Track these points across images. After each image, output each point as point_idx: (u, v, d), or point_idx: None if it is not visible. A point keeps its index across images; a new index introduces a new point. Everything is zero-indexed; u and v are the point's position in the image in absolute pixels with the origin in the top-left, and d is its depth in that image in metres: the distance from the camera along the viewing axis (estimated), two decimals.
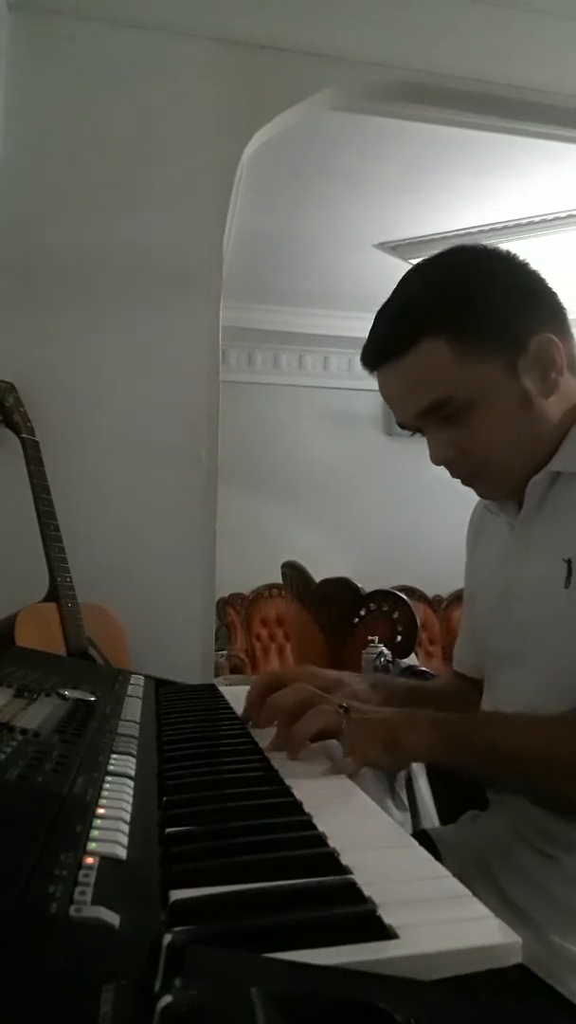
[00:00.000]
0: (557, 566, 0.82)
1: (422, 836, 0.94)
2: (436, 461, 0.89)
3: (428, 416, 0.85)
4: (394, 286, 0.90)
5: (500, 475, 0.88)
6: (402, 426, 0.91)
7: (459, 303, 0.83)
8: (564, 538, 0.83)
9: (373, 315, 0.89)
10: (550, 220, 3.82)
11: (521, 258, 0.88)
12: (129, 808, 0.52)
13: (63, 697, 0.81)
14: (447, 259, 0.89)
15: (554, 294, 0.88)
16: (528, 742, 0.77)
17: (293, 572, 3.02)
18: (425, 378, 0.84)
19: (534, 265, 0.88)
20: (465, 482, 0.91)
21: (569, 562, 0.81)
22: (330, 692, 0.87)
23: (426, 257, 0.91)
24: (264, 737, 0.81)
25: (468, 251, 0.90)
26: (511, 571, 0.91)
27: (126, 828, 0.48)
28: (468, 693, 1.08)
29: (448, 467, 0.89)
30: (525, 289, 0.87)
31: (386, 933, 0.39)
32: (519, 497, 0.91)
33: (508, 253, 0.88)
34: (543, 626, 0.84)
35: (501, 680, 0.94)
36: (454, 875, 0.48)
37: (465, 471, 0.89)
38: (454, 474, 0.90)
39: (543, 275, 0.88)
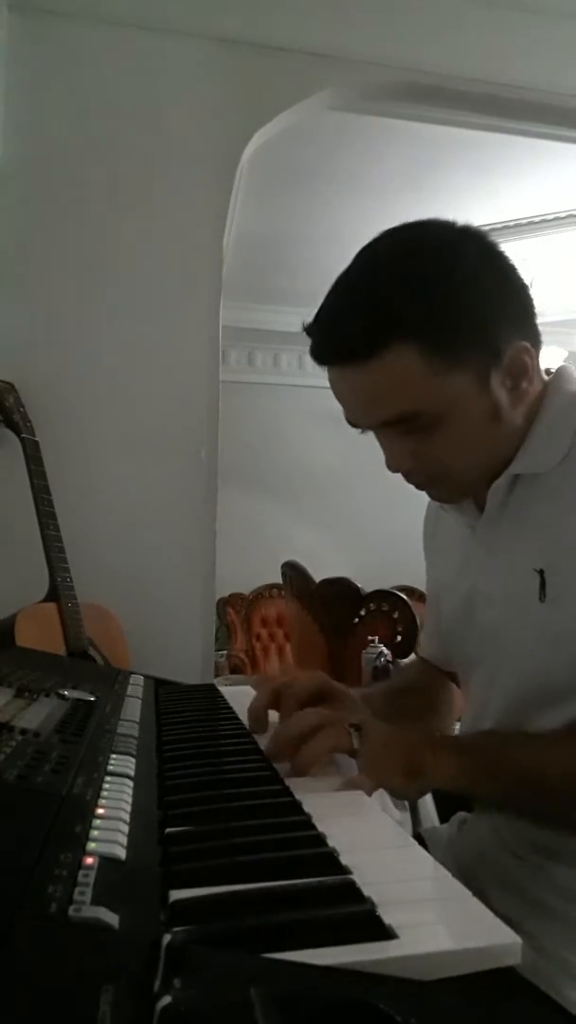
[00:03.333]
0: (528, 577, 0.78)
1: (417, 838, 0.94)
2: (393, 469, 0.82)
3: (389, 427, 0.79)
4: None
5: (459, 483, 0.85)
6: (352, 425, 0.83)
7: (436, 302, 0.74)
8: (533, 546, 0.80)
9: None
10: (550, 220, 3.83)
11: (490, 239, 0.80)
12: (129, 808, 0.52)
13: (63, 697, 0.81)
14: (418, 243, 0.79)
15: (525, 287, 0.81)
16: (558, 760, 0.73)
17: (293, 572, 3.02)
18: (392, 389, 0.75)
19: (508, 253, 0.81)
20: (420, 487, 0.87)
21: (542, 573, 0.77)
22: (338, 701, 0.84)
23: (387, 232, 0.80)
24: (264, 738, 0.81)
25: (441, 233, 0.79)
26: (475, 576, 0.89)
27: (126, 828, 0.48)
28: (438, 681, 1.07)
29: (404, 474, 0.83)
30: (501, 286, 0.79)
31: (386, 933, 0.39)
32: (478, 497, 0.87)
33: (479, 234, 0.80)
34: (517, 637, 0.81)
35: (476, 685, 0.92)
36: None
37: (422, 479, 0.84)
38: (410, 480, 0.84)
39: (512, 262, 0.80)
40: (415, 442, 0.79)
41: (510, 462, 0.82)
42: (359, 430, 0.84)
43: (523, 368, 0.79)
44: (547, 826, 0.80)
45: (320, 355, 0.79)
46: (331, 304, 0.79)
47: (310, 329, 0.80)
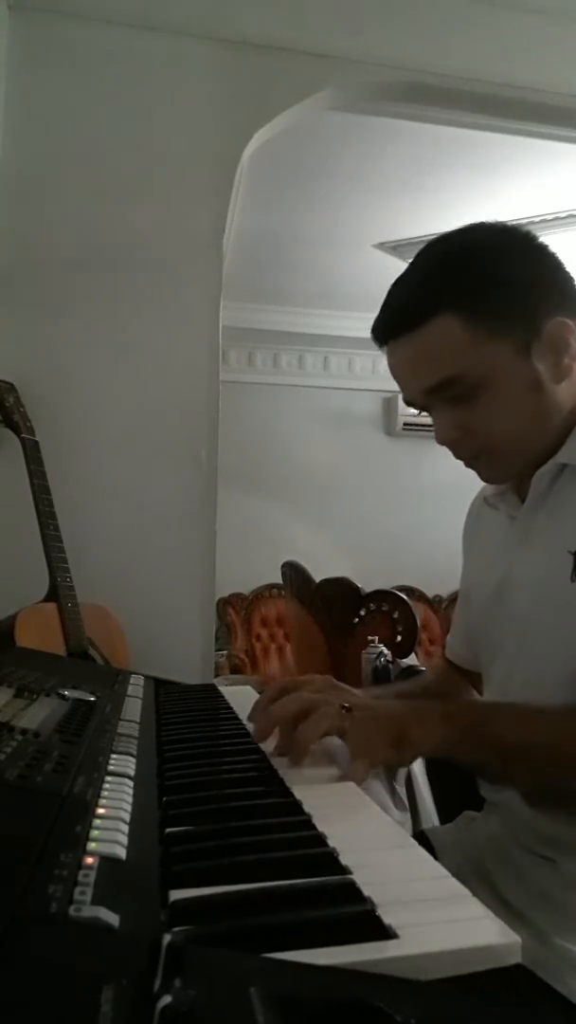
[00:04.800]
0: (562, 558, 0.80)
1: (420, 837, 0.94)
2: (441, 440, 0.87)
3: (436, 394, 0.84)
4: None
5: (505, 458, 0.87)
6: (409, 403, 0.89)
7: (478, 280, 0.82)
8: (569, 530, 0.82)
9: (373, 315, 0.87)
10: (550, 220, 3.82)
11: (540, 240, 0.87)
12: (129, 808, 0.52)
13: (63, 697, 0.81)
14: (466, 236, 0.87)
15: (571, 279, 0.86)
16: (538, 731, 0.76)
17: (293, 572, 3.02)
18: (437, 354, 0.82)
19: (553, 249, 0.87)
20: (468, 464, 0.89)
21: (575, 555, 0.79)
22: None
23: (445, 232, 0.89)
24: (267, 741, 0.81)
25: (488, 228, 0.88)
26: (510, 561, 0.90)
27: (126, 828, 0.48)
28: (457, 684, 1.08)
29: (453, 447, 0.87)
30: (544, 271, 0.85)
31: (386, 933, 0.39)
32: (521, 489, 0.90)
33: (528, 233, 0.87)
34: (544, 617, 0.83)
35: (497, 672, 0.93)
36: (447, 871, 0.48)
37: (470, 452, 0.87)
38: (458, 455, 0.88)
39: (561, 259, 0.87)
40: (461, 412, 0.83)
41: (556, 451, 0.84)
42: (416, 411, 0.90)
43: (563, 343, 0.82)
44: (532, 791, 0.82)
45: (377, 333, 0.87)
46: (388, 292, 0.88)
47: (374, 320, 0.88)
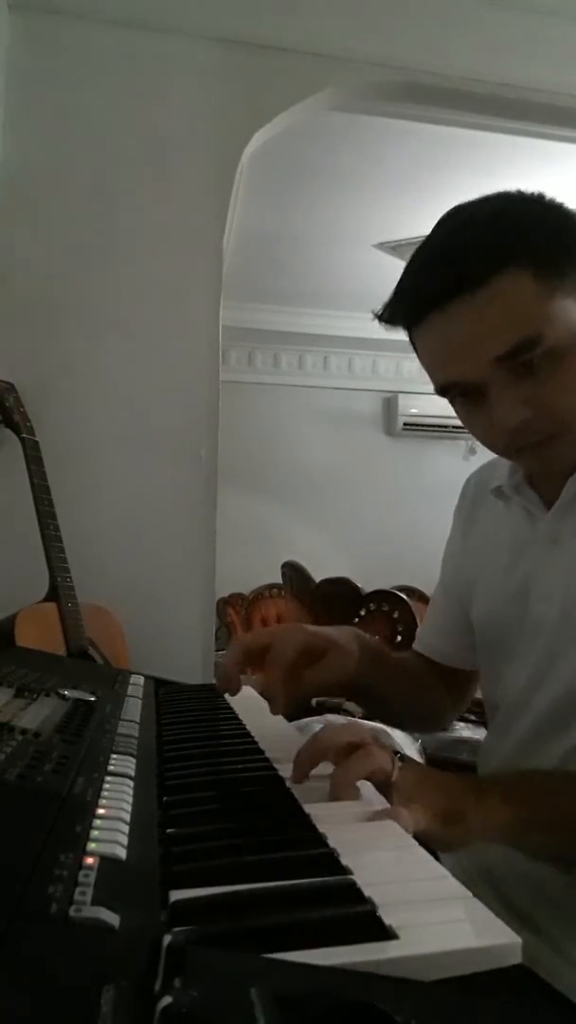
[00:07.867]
0: None
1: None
2: (506, 424, 0.74)
3: (510, 360, 0.71)
4: (394, 286, 0.79)
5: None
6: (444, 390, 0.77)
7: (543, 232, 0.72)
8: None
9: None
10: None
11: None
12: (129, 808, 0.52)
13: (63, 697, 0.81)
14: (505, 197, 0.77)
15: None
16: None
17: (293, 572, 3.02)
18: (507, 313, 0.70)
19: None
20: (527, 455, 0.78)
21: None
22: (325, 653, 0.81)
23: (469, 200, 0.77)
24: (266, 742, 0.80)
25: (518, 193, 0.77)
26: (532, 567, 0.86)
27: (126, 828, 0.48)
28: (426, 674, 1.04)
29: (517, 433, 0.74)
30: None
31: (386, 933, 0.39)
32: (540, 487, 0.86)
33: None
34: (573, 630, 0.79)
35: (511, 683, 0.89)
36: (454, 877, 0.48)
37: (539, 435, 0.75)
38: (520, 442, 0.76)
39: None
40: (531, 386, 0.72)
41: None
42: (450, 396, 0.78)
43: None
44: None
45: (418, 304, 0.74)
46: (426, 255, 0.76)
47: (396, 296, 0.77)
